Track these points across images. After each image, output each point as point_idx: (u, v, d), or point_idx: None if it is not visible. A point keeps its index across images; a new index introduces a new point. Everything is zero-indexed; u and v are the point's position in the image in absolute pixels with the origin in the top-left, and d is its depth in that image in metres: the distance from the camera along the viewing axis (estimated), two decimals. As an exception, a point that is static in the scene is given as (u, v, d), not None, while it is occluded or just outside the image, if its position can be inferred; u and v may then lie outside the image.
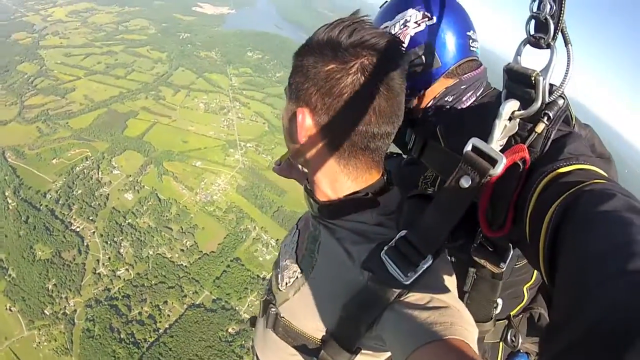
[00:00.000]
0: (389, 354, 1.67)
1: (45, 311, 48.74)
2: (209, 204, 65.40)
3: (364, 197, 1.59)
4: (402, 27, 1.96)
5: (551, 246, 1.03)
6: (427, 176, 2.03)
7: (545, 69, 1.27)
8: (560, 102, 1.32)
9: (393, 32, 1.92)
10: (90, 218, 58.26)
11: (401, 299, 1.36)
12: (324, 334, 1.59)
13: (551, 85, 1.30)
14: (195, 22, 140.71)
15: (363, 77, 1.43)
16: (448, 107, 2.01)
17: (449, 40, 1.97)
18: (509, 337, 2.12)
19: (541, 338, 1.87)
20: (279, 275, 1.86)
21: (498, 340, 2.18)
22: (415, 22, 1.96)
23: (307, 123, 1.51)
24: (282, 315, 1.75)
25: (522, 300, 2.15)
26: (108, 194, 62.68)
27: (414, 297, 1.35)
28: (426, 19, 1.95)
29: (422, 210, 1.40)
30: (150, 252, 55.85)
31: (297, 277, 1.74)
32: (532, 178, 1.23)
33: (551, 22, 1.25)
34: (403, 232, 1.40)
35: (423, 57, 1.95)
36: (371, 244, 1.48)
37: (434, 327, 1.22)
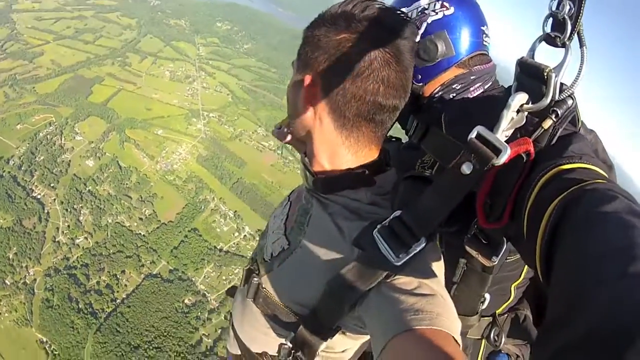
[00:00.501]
0: (366, 338, 1.74)
1: (6, 281, 49.79)
2: (169, 173, 66.02)
3: (361, 173, 1.62)
4: (419, 13, 2.00)
5: (549, 244, 1.00)
6: (424, 160, 2.04)
7: (559, 67, 1.27)
8: (570, 101, 1.31)
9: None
10: (52, 185, 58.82)
11: (389, 280, 1.34)
12: (305, 309, 1.59)
13: (562, 84, 1.29)
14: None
15: (374, 48, 1.46)
16: (454, 95, 2.04)
17: (465, 31, 2.01)
18: (492, 335, 2.16)
19: (536, 338, 1.94)
20: (265, 246, 1.88)
21: (481, 337, 2.22)
22: (434, 11, 2.00)
23: (312, 89, 1.55)
24: (263, 286, 1.75)
25: (509, 299, 2.18)
26: (70, 161, 63.30)
27: (402, 280, 1.33)
28: (444, 9, 1.99)
29: (419, 192, 1.40)
30: (109, 221, 57.15)
31: (283, 249, 1.74)
32: (534, 173, 1.22)
33: (569, 22, 1.25)
34: (398, 212, 1.40)
35: (438, 45, 1.98)
36: (364, 221, 1.50)
37: (419, 314, 1.20)
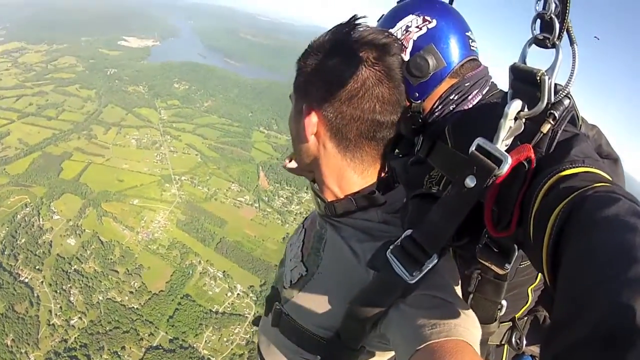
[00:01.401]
0: (392, 353, 1.78)
1: (9, 369, 48.69)
2: (151, 242, 65.43)
3: (370, 194, 1.68)
4: (404, 32, 2.01)
5: (554, 249, 1.01)
6: (432, 175, 1.96)
7: (551, 69, 1.25)
8: (566, 102, 1.29)
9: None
10: (37, 267, 57.67)
11: (406, 298, 1.37)
12: (329, 332, 1.63)
13: (556, 85, 1.27)
14: (122, 57, 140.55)
15: (365, 69, 1.54)
16: (454, 106, 2.04)
17: (452, 40, 2.02)
18: (513, 340, 2.17)
19: (543, 337, 1.64)
20: (285, 274, 1.94)
21: (503, 343, 2.21)
22: (417, 27, 2.01)
23: (314, 118, 1.61)
24: (286, 313, 1.80)
25: (527, 302, 2.16)
26: (51, 241, 62.21)
27: (418, 297, 1.36)
28: (427, 23, 2.00)
29: (427, 209, 1.42)
30: (100, 298, 55.55)
31: (302, 275, 1.79)
32: (537, 179, 1.21)
33: (556, 21, 1.24)
34: (409, 232, 1.42)
35: (428, 59, 1.97)
36: (376, 242, 1.54)
37: (437, 327, 1.23)
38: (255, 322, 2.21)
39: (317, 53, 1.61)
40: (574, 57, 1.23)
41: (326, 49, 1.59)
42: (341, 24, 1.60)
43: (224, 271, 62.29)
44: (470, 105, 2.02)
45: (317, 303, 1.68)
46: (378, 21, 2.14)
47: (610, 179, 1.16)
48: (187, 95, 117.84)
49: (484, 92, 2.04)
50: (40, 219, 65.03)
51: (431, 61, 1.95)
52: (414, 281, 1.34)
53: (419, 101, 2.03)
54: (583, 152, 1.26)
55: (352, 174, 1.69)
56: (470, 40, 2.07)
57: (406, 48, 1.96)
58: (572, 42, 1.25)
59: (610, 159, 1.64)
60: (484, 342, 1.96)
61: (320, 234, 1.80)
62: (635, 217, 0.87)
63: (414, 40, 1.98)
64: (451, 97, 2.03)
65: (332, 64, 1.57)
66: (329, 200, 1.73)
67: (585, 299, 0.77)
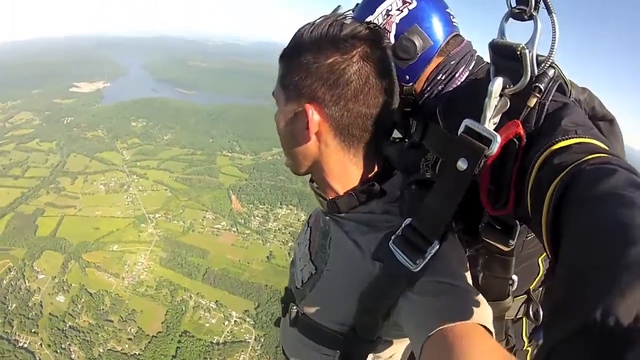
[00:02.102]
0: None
1: None
2: (138, 285, 64.95)
3: (370, 186, 1.65)
4: (385, 17, 1.96)
5: (553, 226, 0.99)
6: (427, 158, 1.96)
7: (531, 41, 1.22)
8: (551, 72, 1.26)
9: (378, 24, 1.82)
10: (33, 330, 56.67)
11: (414, 286, 1.35)
12: (344, 327, 1.62)
13: (538, 56, 1.24)
14: (76, 104, 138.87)
15: (365, 64, 1.50)
16: (442, 86, 2.02)
17: (434, 18, 1.97)
18: (530, 312, 2.12)
19: (543, 320, 1.81)
20: (295, 274, 1.93)
21: (521, 316, 2.18)
22: (398, 9, 1.97)
23: (316, 117, 1.54)
24: (302, 312, 1.80)
25: (539, 273, 2.12)
26: (41, 301, 60.50)
27: (426, 284, 1.35)
28: (407, 4, 1.96)
29: (424, 195, 1.41)
30: (101, 350, 54.51)
31: (312, 274, 1.78)
32: (530, 154, 1.20)
33: None
34: (408, 220, 1.42)
35: (415, 40, 1.93)
36: (379, 233, 1.52)
37: (446, 312, 1.23)
38: (277, 323, 2.22)
39: (313, 50, 1.54)
40: (553, 27, 1.22)
41: (322, 46, 1.53)
42: (327, 17, 1.58)
43: (217, 301, 62.03)
44: (458, 83, 2.02)
45: (329, 300, 1.72)
46: (356, 5, 2.09)
47: (606, 147, 1.15)
48: (146, 131, 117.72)
49: (470, 68, 2.05)
50: (26, 281, 63.85)
51: (417, 42, 1.95)
52: (418, 269, 1.35)
53: (410, 84, 2.04)
54: (574, 121, 1.25)
55: (354, 169, 1.67)
56: (451, 17, 2.06)
57: (389, 32, 1.96)
58: (549, 12, 1.22)
59: (605, 120, 1.65)
60: (500, 318, 1.95)
61: (325, 231, 1.80)
62: (633, 189, 0.85)
63: (396, 24, 1.98)
64: (439, 77, 2.03)
65: (331, 61, 1.51)
66: (330, 197, 1.72)
67: (580, 285, 0.73)
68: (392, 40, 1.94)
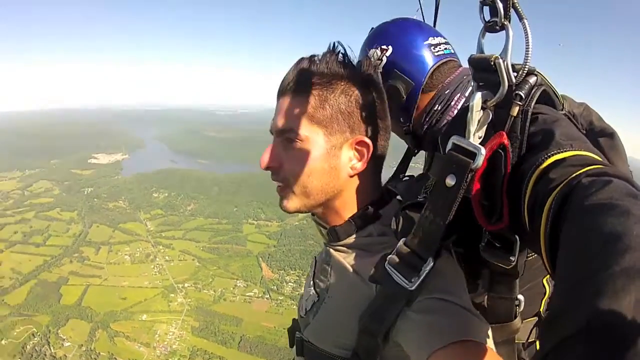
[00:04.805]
0: None
1: None
2: (171, 355, 62.53)
3: (367, 212, 1.72)
4: None
5: (551, 239, 1.01)
6: (427, 185, 1.96)
7: (504, 50, 1.25)
8: (532, 79, 1.29)
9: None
10: None
11: (411, 305, 1.38)
12: (347, 351, 1.63)
13: (514, 65, 1.26)
14: (95, 175, 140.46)
15: (375, 95, 1.68)
16: (440, 115, 2.12)
17: (411, 59, 2.11)
18: None
19: (540, 329, 2.02)
20: (301, 304, 1.96)
21: (533, 340, 2.16)
22: (379, 59, 2.13)
23: (366, 150, 1.66)
24: (306, 340, 1.83)
25: (545, 294, 2.15)
26: None
27: (423, 302, 1.37)
28: (385, 52, 2.11)
29: (416, 217, 1.47)
30: None
31: (315, 302, 1.82)
32: (525, 167, 1.21)
33: (498, 1, 1.23)
34: (402, 240, 1.46)
35: (397, 85, 2.10)
36: (375, 256, 1.56)
37: (444, 330, 1.26)
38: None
39: (346, 86, 1.63)
40: (525, 33, 1.21)
41: (356, 83, 1.64)
42: (346, 55, 1.68)
43: (255, 369, 59.24)
44: (456, 111, 2.09)
45: (331, 325, 1.71)
46: None
47: (600, 159, 1.15)
48: (169, 202, 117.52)
49: (466, 94, 2.10)
50: (51, 348, 61.63)
51: (400, 86, 2.14)
52: (414, 287, 1.36)
53: (407, 124, 2.25)
54: (567, 134, 1.23)
55: (367, 194, 1.75)
56: (432, 47, 2.18)
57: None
58: (521, 18, 1.21)
59: (605, 134, 1.60)
60: (510, 342, 1.93)
61: (327, 260, 1.82)
62: (630, 198, 0.86)
63: (380, 73, 1.97)
64: (435, 108, 2.15)
65: (371, 98, 1.66)
66: (332, 225, 1.77)
67: (576, 293, 0.75)
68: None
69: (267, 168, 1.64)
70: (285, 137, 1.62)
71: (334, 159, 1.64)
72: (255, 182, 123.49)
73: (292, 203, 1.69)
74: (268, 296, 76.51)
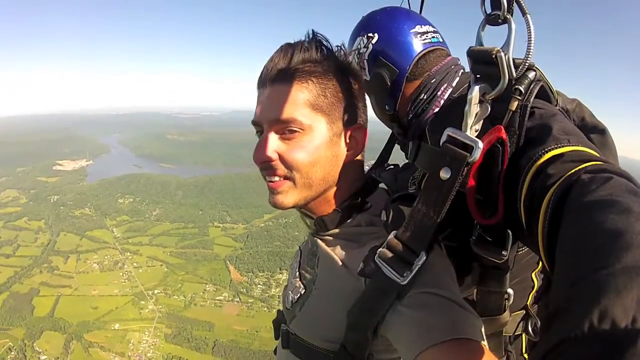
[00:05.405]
0: None
1: None
2: None
3: (355, 202, 1.70)
4: (358, 56, 2.15)
5: (549, 236, 0.99)
6: (415, 176, 1.94)
7: (506, 44, 1.21)
8: (531, 74, 1.26)
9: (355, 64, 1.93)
10: None
11: (402, 299, 1.33)
12: (335, 344, 1.58)
13: (515, 59, 1.23)
14: (60, 182, 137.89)
15: (361, 83, 1.72)
16: (426, 105, 2.09)
17: (394, 46, 2.09)
18: (529, 327, 2.08)
19: (540, 326, 2.01)
20: (287, 295, 1.89)
21: (520, 332, 2.13)
22: (365, 47, 2.12)
23: (361, 132, 1.70)
24: (293, 332, 1.76)
25: (533, 288, 2.08)
26: None
27: (414, 296, 1.32)
28: (371, 39, 2.10)
29: (407, 210, 1.42)
30: None
31: (300, 294, 1.76)
32: (522, 162, 1.18)
33: None
34: (393, 233, 1.39)
35: (382, 73, 2.08)
36: (363, 247, 1.53)
37: (436, 327, 1.22)
38: (275, 351, 2.15)
39: (339, 73, 1.64)
40: (528, 28, 1.20)
41: (346, 71, 1.66)
42: (330, 49, 1.66)
43: (230, 372, 59.80)
44: (442, 101, 2.08)
45: (319, 318, 1.68)
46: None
47: (598, 155, 1.13)
48: (134, 207, 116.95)
49: (454, 84, 2.10)
50: None
51: (384, 73, 2.13)
52: (405, 282, 1.32)
53: (392, 112, 2.23)
54: (564, 129, 1.23)
55: (352, 182, 1.75)
56: (418, 36, 2.14)
57: (365, 69, 2.17)
58: (524, 13, 1.21)
59: (597, 130, 1.63)
60: (498, 334, 1.95)
61: (313, 251, 1.78)
62: (630, 195, 0.85)
63: (366, 60, 2.17)
64: (421, 97, 2.12)
65: (358, 86, 1.71)
66: (319, 215, 1.74)
67: (577, 291, 0.73)
68: (369, 77, 2.17)
69: (264, 162, 1.57)
70: (286, 127, 1.54)
71: (335, 147, 1.63)
72: (219, 184, 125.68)
73: (291, 197, 1.63)
74: (238, 299, 76.63)
